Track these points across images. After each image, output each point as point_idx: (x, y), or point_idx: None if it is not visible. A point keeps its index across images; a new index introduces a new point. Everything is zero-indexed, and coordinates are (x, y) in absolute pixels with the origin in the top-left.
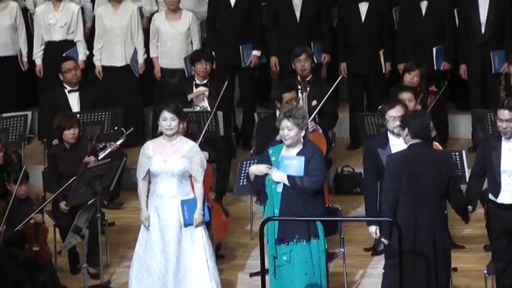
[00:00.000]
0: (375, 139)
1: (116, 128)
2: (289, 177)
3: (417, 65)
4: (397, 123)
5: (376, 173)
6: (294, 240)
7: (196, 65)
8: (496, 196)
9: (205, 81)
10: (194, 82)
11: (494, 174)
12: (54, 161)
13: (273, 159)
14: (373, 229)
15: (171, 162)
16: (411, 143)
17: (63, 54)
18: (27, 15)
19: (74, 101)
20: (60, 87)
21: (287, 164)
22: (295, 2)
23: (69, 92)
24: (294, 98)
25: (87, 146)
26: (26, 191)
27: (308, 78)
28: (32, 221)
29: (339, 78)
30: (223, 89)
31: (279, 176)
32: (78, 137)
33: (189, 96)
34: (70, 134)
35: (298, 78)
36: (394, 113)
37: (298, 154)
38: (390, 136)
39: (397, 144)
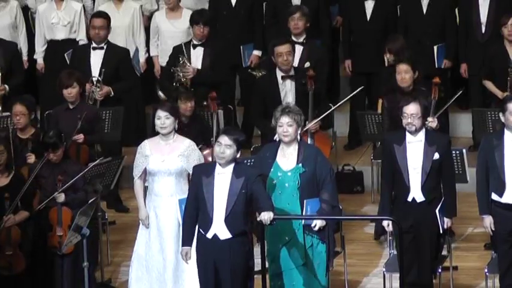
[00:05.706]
0: (394, 134)
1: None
2: (320, 211)
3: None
4: (409, 120)
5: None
6: None
7: (194, 27)
8: (501, 195)
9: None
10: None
11: (498, 173)
12: (56, 122)
13: (269, 161)
14: (385, 223)
15: (168, 161)
16: None
17: (65, 54)
18: (27, 14)
19: None
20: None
21: (310, 207)
22: (294, 1)
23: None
24: (288, 52)
25: (84, 112)
26: (59, 156)
27: (302, 39)
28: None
29: (358, 89)
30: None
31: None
32: (76, 98)
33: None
34: (67, 93)
35: (292, 37)
36: (408, 111)
37: (298, 155)
38: (407, 133)
39: (412, 141)
